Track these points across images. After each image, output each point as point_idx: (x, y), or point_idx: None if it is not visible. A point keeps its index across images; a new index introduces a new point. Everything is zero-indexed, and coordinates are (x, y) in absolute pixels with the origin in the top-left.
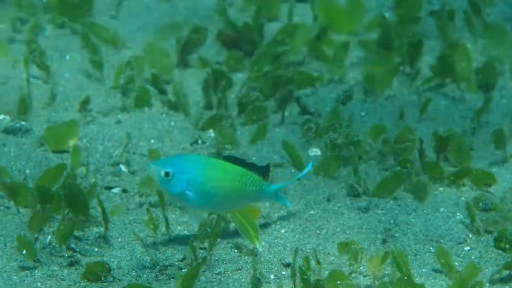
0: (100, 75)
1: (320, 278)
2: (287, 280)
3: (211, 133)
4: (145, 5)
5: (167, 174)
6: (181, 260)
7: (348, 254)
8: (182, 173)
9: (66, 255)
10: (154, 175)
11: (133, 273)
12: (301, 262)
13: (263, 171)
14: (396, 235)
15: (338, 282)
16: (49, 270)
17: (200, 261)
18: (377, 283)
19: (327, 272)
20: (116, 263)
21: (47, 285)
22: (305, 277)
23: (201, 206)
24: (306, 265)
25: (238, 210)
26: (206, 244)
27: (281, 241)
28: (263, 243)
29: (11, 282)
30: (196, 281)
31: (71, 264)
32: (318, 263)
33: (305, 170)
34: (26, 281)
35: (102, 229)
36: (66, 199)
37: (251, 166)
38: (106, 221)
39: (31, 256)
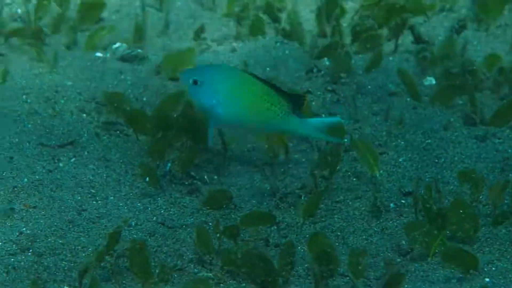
0: (212, 4)
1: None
2: (407, 209)
3: (326, 61)
4: None
5: (195, 82)
6: (301, 188)
7: (469, 183)
8: (212, 82)
9: (187, 183)
10: (184, 83)
11: (254, 201)
12: (422, 191)
13: (296, 100)
14: None
15: (461, 211)
16: (171, 197)
17: (322, 189)
18: (497, 212)
19: (447, 201)
20: (236, 191)
21: (170, 212)
22: (428, 205)
23: (228, 121)
24: (428, 193)
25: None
26: (325, 173)
27: (400, 170)
28: (381, 171)
29: (135, 209)
30: (317, 209)
31: (191, 192)
32: (439, 191)
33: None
34: (149, 208)
35: (221, 157)
36: (186, 127)
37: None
38: (225, 149)
39: (153, 183)
